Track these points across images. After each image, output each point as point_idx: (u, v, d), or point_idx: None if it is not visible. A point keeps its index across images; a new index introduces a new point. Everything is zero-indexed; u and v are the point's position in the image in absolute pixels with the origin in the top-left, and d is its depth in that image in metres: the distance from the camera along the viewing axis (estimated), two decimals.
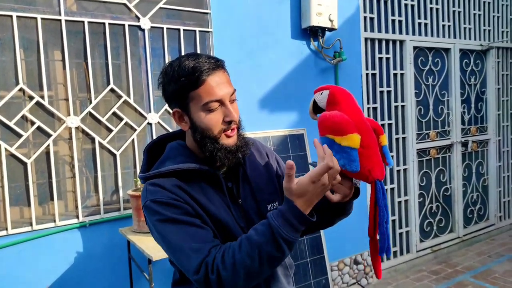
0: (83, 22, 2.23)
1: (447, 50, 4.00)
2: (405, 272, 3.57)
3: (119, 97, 2.37)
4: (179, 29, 2.55)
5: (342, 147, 0.91)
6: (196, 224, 0.93)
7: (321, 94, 1.01)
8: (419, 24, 3.75)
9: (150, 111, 2.46)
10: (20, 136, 2.08)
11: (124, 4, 2.36)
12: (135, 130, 2.42)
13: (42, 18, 2.12)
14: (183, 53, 2.55)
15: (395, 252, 3.66)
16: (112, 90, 2.35)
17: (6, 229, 2.03)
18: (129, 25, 2.38)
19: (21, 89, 2.09)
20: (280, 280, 1.09)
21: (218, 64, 0.97)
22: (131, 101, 2.40)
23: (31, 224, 2.09)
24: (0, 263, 2.01)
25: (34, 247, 2.10)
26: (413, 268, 3.65)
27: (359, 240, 3.31)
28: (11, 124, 2.05)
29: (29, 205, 2.11)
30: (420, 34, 3.77)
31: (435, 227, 3.95)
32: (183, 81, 0.94)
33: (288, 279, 1.13)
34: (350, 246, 3.28)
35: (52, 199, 2.17)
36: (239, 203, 1.04)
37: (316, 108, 1.03)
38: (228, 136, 0.99)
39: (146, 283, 2.34)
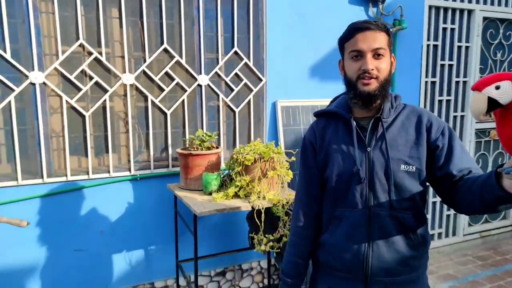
0: None
1: None
2: (449, 255, 3.45)
3: (172, 57, 2.40)
4: None
5: None
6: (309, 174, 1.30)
7: (498, 88, 0.85)
8: None
9: (200, 73, 2.48)
10: (79, 89, 2.19)
11: None
12: (186, 91, 2.46)
13: None
14: (235, 16, 2.52)
15: (440, 234, 3.53)
16: (165, 50, 2.38)
17: (66, 175, 2.19)
18: None
19: (81, 45, 2.18)
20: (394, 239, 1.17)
21: (375, 26, 1.16)
22: (183, 62, 2.43)
23: (87, 173, 2.24)
24: (61, 206, 2.19)
25: (90, 195, 2.25)
26: (458, 251, 3.52)
27: None
28: (71, 77, 2.16)
29: (86, 155, 2.25)
30: (492, 4, 3.43)
31: None
32: (344, 35, 1.21)
33: (410, 242, 1.18)
34: None
35: (107, 151, 2.30)
36: (367, 150, 1.19)
37: (490, 106, 0.86)
38: (364, 84, 1.16)
39: (190, 237, 2.46)
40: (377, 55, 1.16)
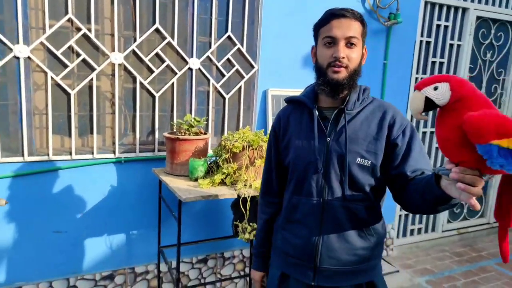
0: None
1: None
2: (426, 250, 3.53)
3: (163, 38, 2.34)
4: None
5: (510, 150, 0.80)
6: (268, 159, 1.38)
7: (437, 89, 0.86)
8: None
9: (192, 56, 2.42)
10: (66, 66, 2.11)
11: None
12: (176, 73, 2.40)
13: None
14: None
15: (419, 229, 3.61)
16: (157, 30, 2.31)
17: (48, 155, 2.12)
18: None
19: (69, 20, 2.09)
20: (347, 233, 1.20)
21: (351, 15, 1.16)
22: (175, 43, 2.36)
23: (70, 153, 2.18)
24: (41, 186, 2.13)
25: (72, 176, 2.20)
26: (435, 247, 3.60)
27: None
28: (58, 53, 2.08)
29: (70, 135, 2.18)
30: (486, 3, 3.45)
31: (465, 210, 3.84)
32: (319, 20, 1.21)
33: (361, 234, 1.22)
34: None
35: (91, 132, 2.24)
36: (327, 141, 1.20)
37: (427, 106, 0.88)
38: (334, 72, 1.17)
39: (173, 222, 2.44)
40: (349, 44, 1.16)
